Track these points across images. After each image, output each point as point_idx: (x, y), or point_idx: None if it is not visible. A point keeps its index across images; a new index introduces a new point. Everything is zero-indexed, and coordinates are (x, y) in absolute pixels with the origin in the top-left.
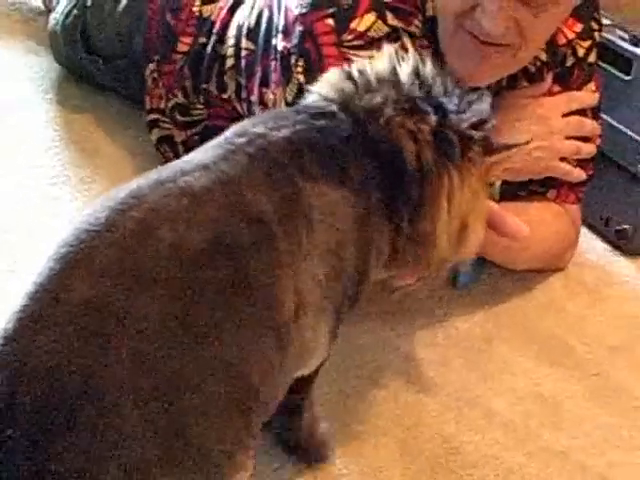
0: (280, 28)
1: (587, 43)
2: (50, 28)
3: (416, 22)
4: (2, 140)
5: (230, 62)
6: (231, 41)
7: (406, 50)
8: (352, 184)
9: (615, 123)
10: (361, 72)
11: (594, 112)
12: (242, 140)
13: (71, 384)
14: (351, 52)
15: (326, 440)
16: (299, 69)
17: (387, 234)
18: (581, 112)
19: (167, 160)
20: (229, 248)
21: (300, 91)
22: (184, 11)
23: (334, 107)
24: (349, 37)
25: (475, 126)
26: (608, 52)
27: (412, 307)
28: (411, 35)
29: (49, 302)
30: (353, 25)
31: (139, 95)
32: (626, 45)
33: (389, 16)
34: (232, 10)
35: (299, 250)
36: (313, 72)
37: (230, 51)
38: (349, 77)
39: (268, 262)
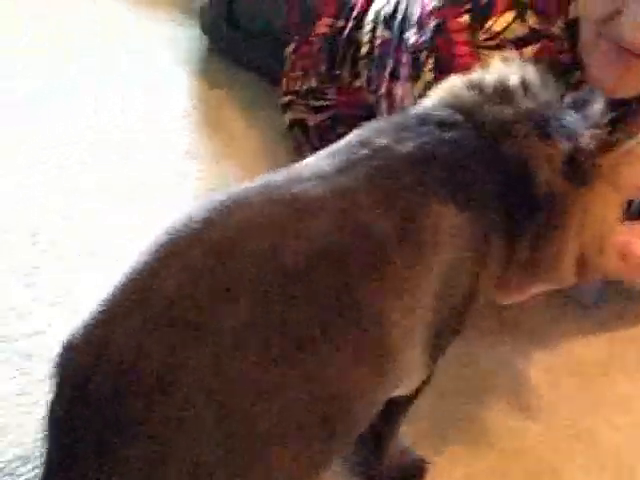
0: (414, 20)
1: None
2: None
3: (558, 23)
4: (135, 110)
5: (365, 49)
6: (368, 27)
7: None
8: (476, 204)
9: None
10: (482, 82)
11: None
12: (365, 151)
13: (149, 376)
14: (485, 52)
15: (417, 471)
16: (429, 66)
17: (503, 258)
18: None
19: (298, 144)
20: (335, 263)
21: (428, 90)
22: None
23: (459, 117)
24: (484, 36)
25: (602, 143)
26: None
27: (530, 323)
28: (552, 37)
29: (138, 293)
30: (489, 24)
31: (278, 75)
32: None
33: (530, 16)
34: None
35: (415, 273)
36: (443, 71)
37: (366, 38)
38: (472, 85)
39: (378, 282)
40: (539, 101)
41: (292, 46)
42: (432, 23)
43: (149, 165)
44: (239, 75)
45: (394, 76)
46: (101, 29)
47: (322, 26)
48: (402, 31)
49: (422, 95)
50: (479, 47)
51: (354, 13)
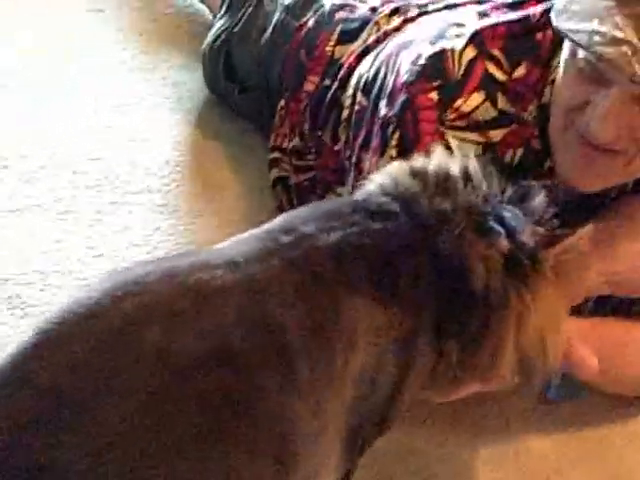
0: (387, 91)
1: None
2: (202, 48)
3: (531, 108)
4: (124, 159)
5: (346, 113)
6: (350, 91)
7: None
8: (403, 301)
9: None
10: (423, 170)
11: None
12: (286, 240)
13: (19, 472)
14: (451, 133)
15: None
16: (394, 142)
17: (433, 358)
18: None
19: (281, 203)
20: (232, 363)
21: None
22: (318, 49)
23: (396, 206)
24: (451, 116)
25: (544, 239)
26: None
27: (483, 413)
28: (522, 122)
29: (13, 380)
30: (458, 103)
31: (269, 130)
32: None
33: (500, 98)
34: (360, 57)
35: (325, 375)
36: (407, 148)
37: (347, 101)
38: (413, 174)
39: (282, 384)
40: (479, 195)
41: (283, 101)
42: (401, 97)
43: (125, 216)
44: (236, 125)
45: (365, 146)
46: (102, 80)
47: (310, 84)
48: (378, 100)
49: None
50: (446, 127)
51: (340, 73)
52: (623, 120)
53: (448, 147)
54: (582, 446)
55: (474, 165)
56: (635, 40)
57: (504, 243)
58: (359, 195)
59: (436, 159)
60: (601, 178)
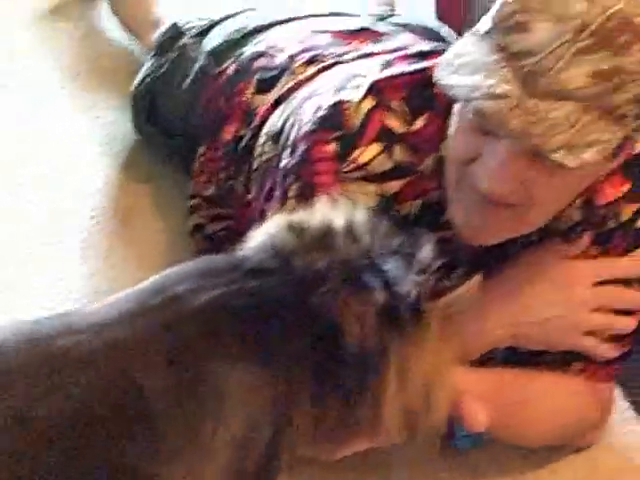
0: (290, 141)
1: (635, 206)
2: (130, 90)
3: (428, 161)
4: (50, 200)
5: (256, 163)
6: (261, 140)
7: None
8: (276, 361)
9: None
10: (304, 225)
11: None
12: (156, 301)
13: None
14: (349, 184)
15: None
16: (292, 192)
17: (312, 416)
18: (625, 281)
19: (199, 250)
20: (93, 429)
21: None
22: (236, 98)
23: (273, 263)
24: (349, 167)
25: (429, 291)
26: None
27: (394, 461)
28: (420, 174)
29: None
30: (355, 154)
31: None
32: None
33: (397, 149)
34: (274, 106)
35: (196, 439)
36: (305, 199)
37: (258, 151)
38: (292, 229)
39: (145, 450)
40: (361, 248)
41: (202, 148)
42: (301, 148)
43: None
44: (163, 168)
45: (269, 196)
46: (31, 110)
47: (227, 133)
48: (283, 150)
49: None
50: (344, 178)
51: (254, 123)
52: (513, 173)
53: (346, 198)
54: None
55: (360, 217)
56: (518, 93)
57: (380, 297)
58: (241, 251)
59: (318, 213)
60: (495, 231)
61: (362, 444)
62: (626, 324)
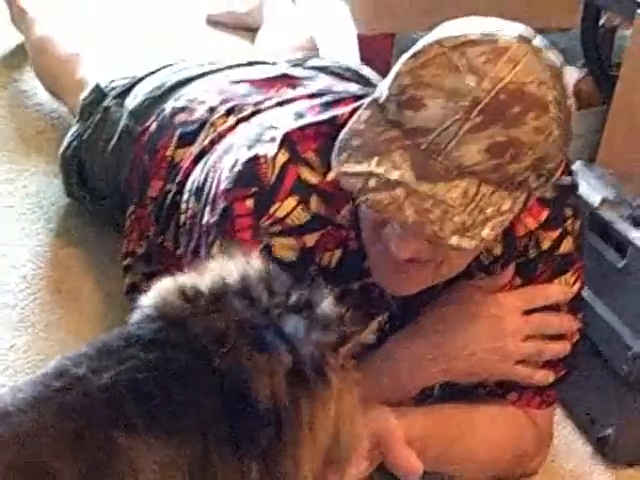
0: (210, 198)
1: (555, 233)
2: (58, 156)
3: (344, 211)
4: None
5: (182, 219)
6: (186, 195)
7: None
8: (187, 429)
9: (605, 313)
10: (195, 287)
11: (572, 305)
12: (58, 384)
13: None
14: (268, 239)
15: None
16: (215, 249)
17: (235, 477)
18: (554, 306)
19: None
20: None
21: None
22: (159, 154)
23: (169, 333)
24: (267, 222)
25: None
26: (605, 232)
27: None
28: (337, 225)
29: None
30: (272, 209)
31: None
32: (622, 226)
33: (314, 202)
34: (196, 160)
35: None
36: (228, 256)
37: (183, 206)
38: (183, 295)
39: None
40: (259, 308)
41: (132, 207)
42: (220, 205)
43: None
44: (94, 231)
45: (196, 252)
46: None
47: (153, 189)
48: (205, 205)
49: None
50: (263, 233)
51: (178, 177)
52: (420, 239)
53: (268, 253)
54: None
55: (254, 272)
56: (411, 179)
57: (285, 357)
58: (133, 322)
59: (209, 273)
60: (414, 284)
61: None
62: (558, 349)
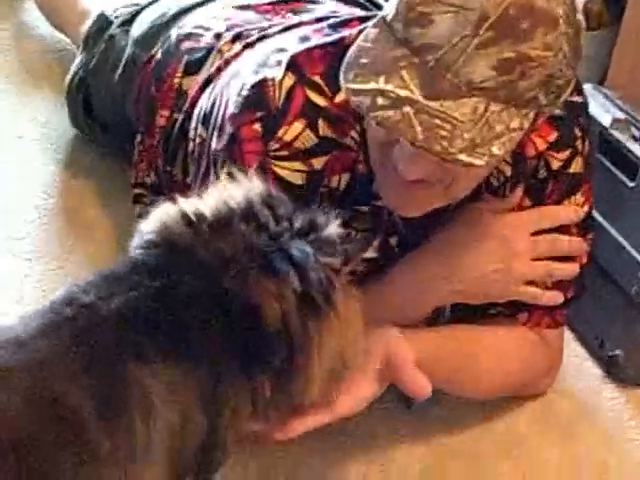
0: (218, 124)
1: (565, 153)
2: (64, 87)
3: (352, 133)
4: None
5: (191, 146)
6: (194, 123)
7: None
8: (196, 353)
9: (615, 233)
10: (198, 212)
11: (582, 226)
12: (68, 312)
13: None
14: (275, 163)
15: None
16: (224, 174)
17: (247, 396)
18: (564, 227)
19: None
20: (24, 445)
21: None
22: (166, 82)
23: (174, 258)
24: (275, 146)
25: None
26: (615, 152)
27: (353, 428)
28: (345, 147)
29: None
30: (280, 133)
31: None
32: (633, 146)
33: (321, 125)
34: (203, 87)
35: (129, 441)
36: (236, 180)
37: (192, 133)
38: (186, 217)
39: (81, 459)
40: (266, 232)
41: (139, 137)
42: (228, 130)
43: None
44: (104, 164)
45: (205, 179)
46: None
47: (161, 118)
48: (214, 131)
49: None
50: (271, 157)
51: (186, 105)
52: (429, 158)
53: (276, 177)
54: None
55: (259, 199)
56: (419, 96)
57: (294, 281)
58: (135, 250)
59: (212, 199)
60: (421, 205)
61: (311, 421)
62: (567, 270)
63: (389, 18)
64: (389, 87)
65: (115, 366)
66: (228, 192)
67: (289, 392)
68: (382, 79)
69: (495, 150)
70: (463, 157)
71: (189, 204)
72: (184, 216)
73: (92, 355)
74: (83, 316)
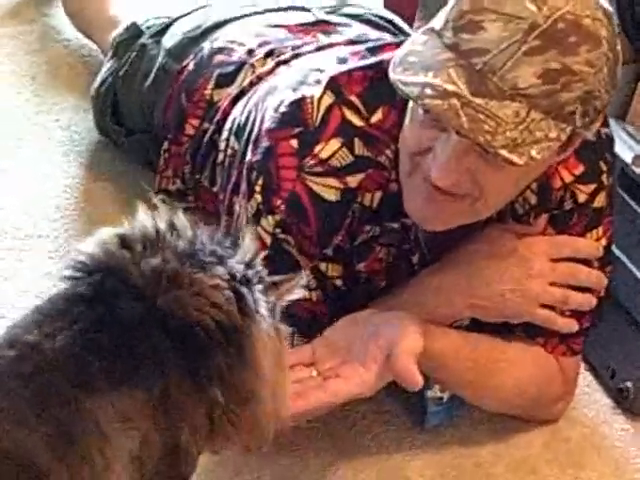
0: (254, 137)
1: (590, 187)
2: (91, 91)
3: (387, 152)
4: (14, 203)
5: (221, 156)
6: (225, 134)
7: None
8: (144, 374)
9: (632, 268)
10: (132, 237)
11: (601, 260)
12: (12, 354)
13: None
14: (310, 178)
15: None
16: (257, 187)
17: (203, 408)
18: (586, 261)
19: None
20: None
21: (258, 211)
22: (197, 93)
23: (110, 283)
24: (310, 162)
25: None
26: (636, 188)
27: (367, 444)
28: (380, 166)
29: None
30: (317, 150)
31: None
32: None
33: (357, 144)
34: (235, 100)
35: (91, 474)
36: (269, 194)
37: (222, 145)
38: (122, 244)
39: None
40: (186, 241)
41: (166, 144)
42: (264, 144)
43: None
44: (126, 168)
45: (235, 190)
46: None
47: (190, 127)
48: (247, 144)
49: (254, 216)
50: (306, 173)
51: (217, 116)
52: (463, 166)
53: (310, 193)
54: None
55: (180, 217)
56: (466, 93)
57: (224, 276)
58: (71, 275)
59: (140, 222)
60: (447, 218)
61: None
62: (584, 300)
63: (438, 27)
64: (437, 81)
65: (66, 402)
66: (155, 217)
67: (244, 393)
68: (431, 74)
69: (534, 153)
70: (504, 152)
71: (122, 230)
72: (121, 241)
73: (42, 396)
74: (29, 357)
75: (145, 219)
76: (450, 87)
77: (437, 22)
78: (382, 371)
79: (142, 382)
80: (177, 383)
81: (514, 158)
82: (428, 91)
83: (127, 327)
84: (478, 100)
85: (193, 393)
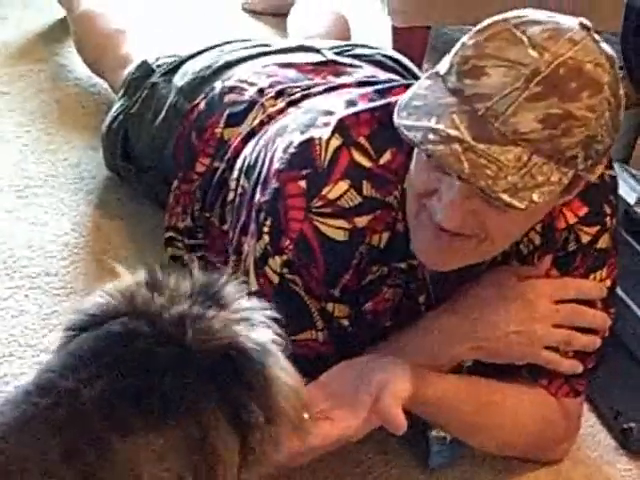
0: (263, 177)
1: (594, 229)
2: (101, 128)
3: (395, 193)
4: (22, 241)
5: (231, 195)
6: (235, 173)
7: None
8: (181, 415)
9: (635, 309)
10: (162, 283)
11: (605, 301)
12: (47, 401)
13: None
14: (318, 219)
15: None
16: (266, 228)
17: (235, 444)
18: (589, 302)
19: None
20: None
21: (266, 252)
22: (208, 132)
23: (142, 325)
24: (318, 203)
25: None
26: (637, 227)
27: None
28: (388, 207)
29: None
30: (325, 191)
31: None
32: None
33: (365, 185)
34: (246, 139)
35: None
36: (277, 234)
37: (233, 184)
38: (149, 286)
39: None
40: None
41: (176, 182)
42: (273, 185)
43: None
44: (134, 206)
45: (244, 230)
46: (3, 162)
47: (200, 165)
48: (256, 184)
49: (261, 257)
50: (313, 214)
51: (227, 155)
52: (467, 208)
53: (318, 233)
54: None
55: (159, 272)
56: (468, 138)
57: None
58: (100, 314)
59: (124, 281)
60: (453, 259)
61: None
62: (588, 342)
63: (442, 72)
64: (440, 126)
65: (99, 447)
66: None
67: (271, 413)
68: (434, 119)
69: (535, 197)
70: (505, 197)
71: (145, 274)
72: (152, 285)
73: (73, 443)
74: (65, 403)
75: (127, 279)
76: (453, 132)
77: (442, 66)
78: (370, 416)
79: (177, 421)
80: (213, 422)
81: (515, 202)
82: (431, 136)
83: (159, 367)
84: (480, 145)
85: (228, 431)
